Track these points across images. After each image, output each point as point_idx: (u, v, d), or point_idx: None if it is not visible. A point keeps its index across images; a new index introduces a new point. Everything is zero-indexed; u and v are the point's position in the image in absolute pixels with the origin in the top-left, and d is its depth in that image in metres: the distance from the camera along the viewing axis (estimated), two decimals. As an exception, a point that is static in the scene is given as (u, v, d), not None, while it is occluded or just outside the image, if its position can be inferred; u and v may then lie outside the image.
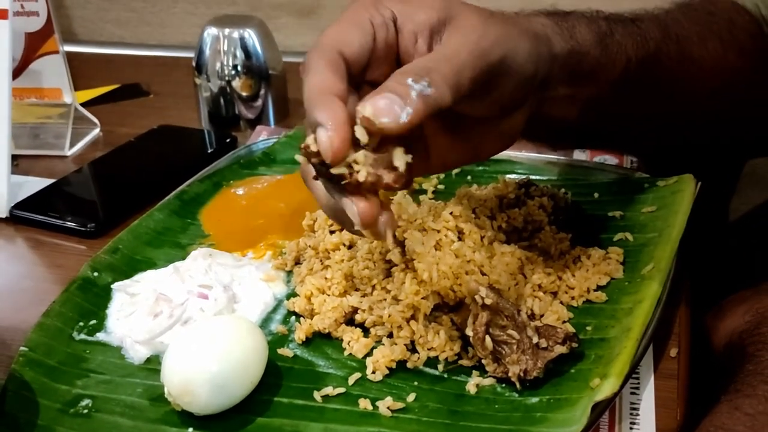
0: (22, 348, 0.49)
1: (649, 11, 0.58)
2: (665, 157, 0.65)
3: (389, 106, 0.37)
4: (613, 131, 0.59)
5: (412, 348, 0.48)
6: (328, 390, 0.46)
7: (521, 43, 0.43)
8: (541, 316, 0.49)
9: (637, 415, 0.44)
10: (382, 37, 0.43)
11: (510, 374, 0.44)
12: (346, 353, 0.49)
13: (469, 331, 0.46)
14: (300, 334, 0.50)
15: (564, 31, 0.48)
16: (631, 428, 0.43)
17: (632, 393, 0.46)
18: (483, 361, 0.45)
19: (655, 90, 0.56)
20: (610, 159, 0.71)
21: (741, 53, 0.61)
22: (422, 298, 0.48)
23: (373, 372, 0.46)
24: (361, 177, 0.38)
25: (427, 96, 0.38)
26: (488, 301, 0.45)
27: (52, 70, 0.82)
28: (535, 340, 0.44)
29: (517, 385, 0.44)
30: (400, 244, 0.49)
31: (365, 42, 0.42)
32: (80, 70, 0.93)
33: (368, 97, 0.38)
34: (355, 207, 0.38)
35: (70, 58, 0.84)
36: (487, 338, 0.44)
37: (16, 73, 0.80)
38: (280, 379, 0.47)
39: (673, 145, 0.62)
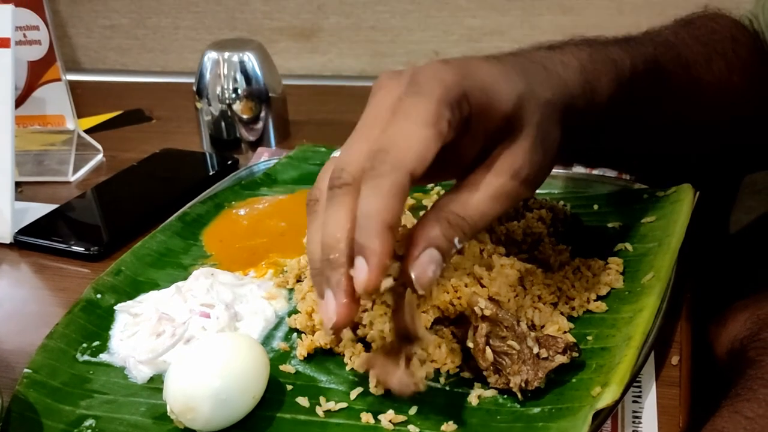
0: (25, 369, 0.49)
1: (655, 30, 0.58)
2: (661, 172, 0.65)
3: (434, 271, 0.39)
4: (609, 150, 0.60)
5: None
6: (330, 405, 0.46)
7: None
8: (542, 327, 0.49)
9: (640, 423, 0.44)
10: (450, 137, 0.41)
11: (511, 385, 0.44)
12: (347, 368, 0.49)
13: (469, 343, 0.46)
14: (302, 350, 0.50)
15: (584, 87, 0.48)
16: (633, 436, 0.43)
17: (634, 401, 0.46)
18: (484, 373, 0.45)
19: (657, 110, 0.56)
20: (609, 171, 0.71)
21: (743, 72, 0.62)
22: (422, 312, 0.48)
23: (375, 386, 0.47)
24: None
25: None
26: (487, 312, 0.45)
27: (55, 98, 0.82)
28: (535, 350, 0.44)
29: (519, 396, 0.44)
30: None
31: (436, 150, 0.39)
32: (84, 99, 0.94)
33: (415, 256, 0.39)
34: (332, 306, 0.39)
35: (75, 86, 0.85)
36: (488, 350, 0.44)
37: (20, 101, 0.81)
38: (283, 395, 0.47)
39: (667, 160, 0.62)
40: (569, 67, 0.47)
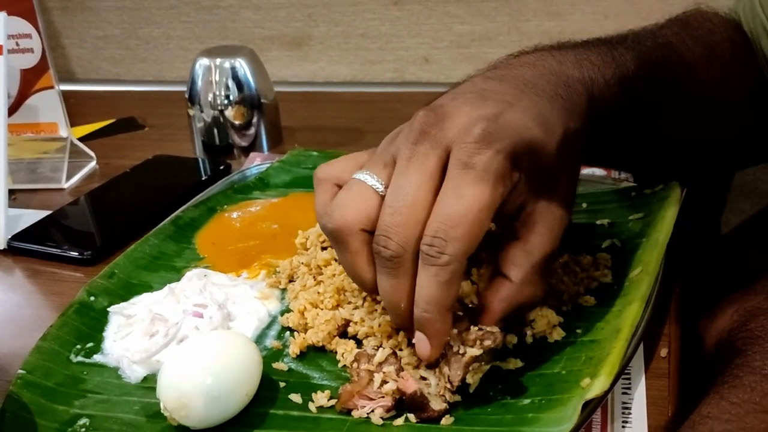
0: (20, 371, 0.49)
1: (656, 30, 0.59)
2: (657, 168, 0.66)
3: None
4: (606, 148, 0.60)
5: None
6: (323, 401, 0.46)
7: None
8: (532, 321, 0.49)
9: (630, 414, 0.45)
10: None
11: (442, 384, 0.44)
12: (340, 365, 0.49)
13: None
14: (294, 348, 0.50)
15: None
16: (623, 427, 0.44)
17: (624, 393, 0.46)
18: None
19: (659, 110, 0.56)
20: (598, 171, 0.72)
21: (740, 74, 0.63)
22: None
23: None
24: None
25: None
26: None
27: (47, 105, 0.83)
28: (455, 348, 0.44)
29: (452, 387, 0.44)
30: None
31: (489, 224, 0.42)
32: (78, 108, 0.95)
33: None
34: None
35: (68, 96, 0.86)
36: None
37: (12, 109, 0.81)
38: (276, 392, 0.48)
39: (663, 156, 0.63)
40: (596, 84, 0.48)
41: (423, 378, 0.45)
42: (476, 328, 0.43)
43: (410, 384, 0.44)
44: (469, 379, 0.43)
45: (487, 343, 0.42)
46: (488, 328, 0.43)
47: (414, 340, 0.43)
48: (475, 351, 0.42)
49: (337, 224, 0.43)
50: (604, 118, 0.49)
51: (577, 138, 0.45)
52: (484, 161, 0.40)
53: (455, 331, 0.44)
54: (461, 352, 0.43)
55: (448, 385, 0.43)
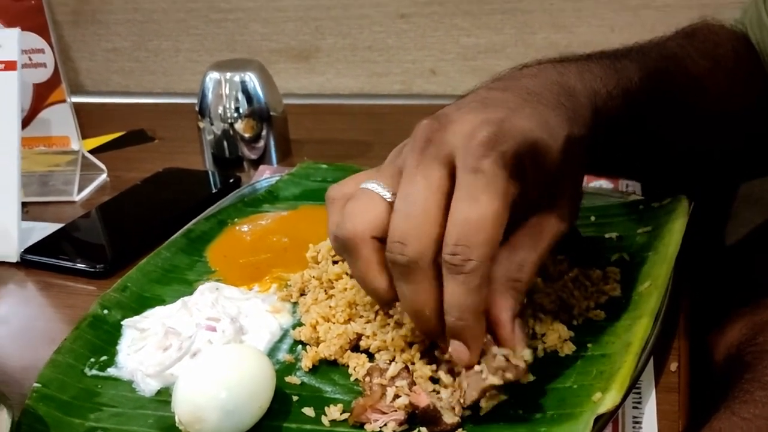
0: (35, 384, 0.50)
1: (661, 42, 0.59)
2: (660, 177, 0.66)
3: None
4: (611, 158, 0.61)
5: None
6: (336, 414, 0.46)
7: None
8: (543, 335, 0.50)
9: (640, 428, 0.45)
10: None
11: (456, 400, 0.44)
12: (352, 378, 0.50)
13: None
14: (307, 361, 0.51)
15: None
16: (634, 441, 0.44)
17: (634, 407, 0.46)
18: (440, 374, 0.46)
19: (663, 122, 0.57)
20: (606, 184, 0.72)
21: (746, 86, 0.63)
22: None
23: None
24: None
25: None
26: None
27: (60, 119, 0.84)
28: (478, 369, 0.44)
29: (463, 404, 0.44)
30: None
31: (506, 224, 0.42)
32: (88, 120, 0.95)
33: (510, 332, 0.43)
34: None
35: (78, 108, 0.86)
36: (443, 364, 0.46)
37: (25, 122, 0.82)
38: (289, 405, 0.48)
39: (669, 166, 0.63)
40: (599, 95, 0.48)
41: (435, 392, 0.45)
42: (503, 357, 0.43)
43: (423, 398, 0.44)
44: (483, 403, 0.43)
45: (509, 375, 0.42)
46: (514, 361, 0.43)
47: (450, 349, 0.43)
48: (496, 380, 0.42)
49: (347, 233, 0.44)
50: (607, 128, 0.49)
51: (580, 146, 0.46)
52: (492, 164, 0.40)
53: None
54: (483, 375, 0.43)
55: (462, 400, 0.44)
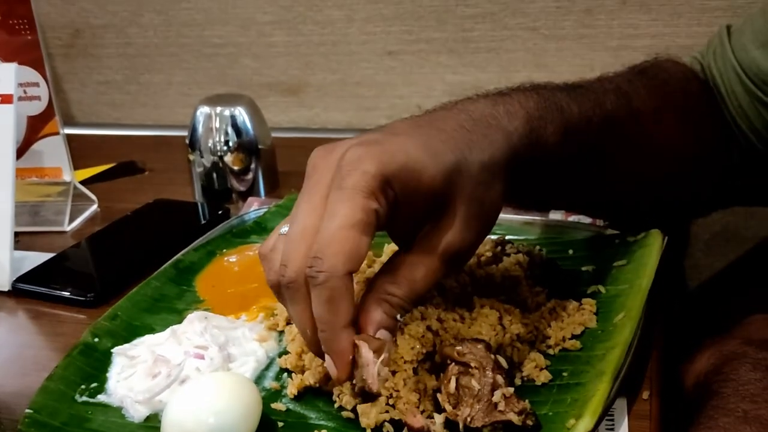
0: (27, 410, 0.51)
1: (608, 77, 0.60)
2: (617, 218, 0.66)
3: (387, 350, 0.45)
4: (565, 196, 0.62)
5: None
6: (320, 440, 0.48)
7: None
8: (520, 363, 0.51)
9: (613, 453, 0.47)
10: (382, 223, 0.44)
11: (458, 415, 0.46)
12: (336, 405, 0.51)
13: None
14: (292, 389, 0.52)
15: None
16: (607, 466, 0.46)
17: (608, 433, 0.48)
18: (439, 398, 0.47)
19: (607, 157, 0.57)
20: (584, 218, 0.75)
21: (695, 125, 0.64)
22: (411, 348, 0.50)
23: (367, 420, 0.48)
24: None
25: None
26: (459, 357, 0.48)
27: (52, 150, 0.86)
28: (494, 399, 0.46)
29: (460, 427, 0.46)
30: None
31: (369, 242, 0.43)
32: (78, 151, 0.97)
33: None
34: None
35: (69, 140, 0.88)
36: (453, 380, 0.47)
37: (19, 154, 0.84)
38: (275, 431, 0.50)
39: (620, 206, 0.64)
40: (515, 116, 0.48)
41: (429, 417, 0.47)
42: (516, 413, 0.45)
43: (418, 420, 0.45)
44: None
45: (529, 423, 0.45)
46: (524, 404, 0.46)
47: (325, 364, 0.45)
48: (515, 418, 0.45)
49: (271, 283, 0.46)
50: (544, 156, 0.50)
51: (483, 168, 0.46)
52: (352, 181, 0.42)
53: (492, 379, 0.46)
54: (501, 408, 0.45)
55: (469, 418, 0.45)
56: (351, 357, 0.44)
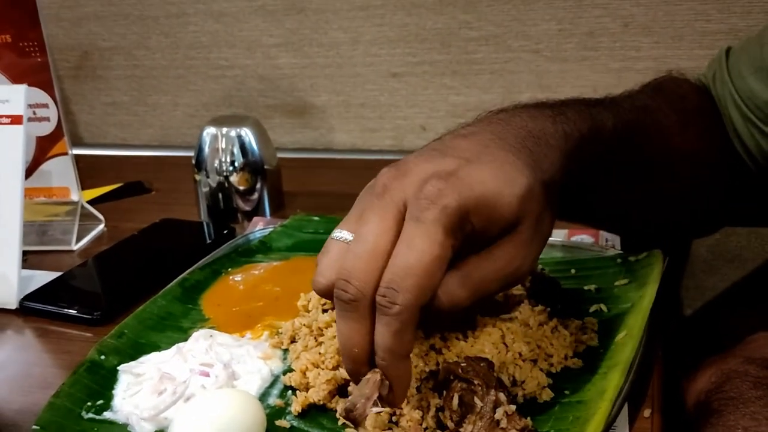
0: (33, 426, 0.51)
1: (633, 93, 0.61)
2: (633, 234, 0.68)
3: None
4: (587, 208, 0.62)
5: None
6: (324, 457, 0.48)
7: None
8: (522, 381, 0.52)
9: (615, 471, 0.47)
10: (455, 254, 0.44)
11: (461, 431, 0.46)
12: (340, 422, 0.51)
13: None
14: (296, 406, 0.53)
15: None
16: (608, 484, 0.46)
17: (609, 451, 0.48)
18: (441, 415, 0.48)
19: (633, 174, 0.59)
20: (587, 238, 0.75)
21: (710, 140, 0.65)
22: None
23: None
24: None
25: None
26: (462, 374, 0.48)
27: (60, 171, 0.87)
28: (497, 416, 0.46)
29: None
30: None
31: (442, 275, 0.43)
32: (86, 171, 0.98)
33: None
34: None
35: (77, 160, 0.89)
36: (456, 397, 0.47)
37: (27, 173, 0.85)
38: (279, 449, 0.50)
39: (638, 222, 0.65)
40: (571, 137, 0.50)
41: None
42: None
43: None
44: None
45: None
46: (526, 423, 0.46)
47: (350, 387, 0.46)
48: None
49: (319, 288, 0.46)
50: (580, 171, 0.51)
51: (545, 187, 0.47)
52: (432, 216, 0.42)
53: (494, 397, 0.46)
54: (503, 425, 0.45)
55: (464, 428, 0.45)
56: (408, 388, 0.45)
